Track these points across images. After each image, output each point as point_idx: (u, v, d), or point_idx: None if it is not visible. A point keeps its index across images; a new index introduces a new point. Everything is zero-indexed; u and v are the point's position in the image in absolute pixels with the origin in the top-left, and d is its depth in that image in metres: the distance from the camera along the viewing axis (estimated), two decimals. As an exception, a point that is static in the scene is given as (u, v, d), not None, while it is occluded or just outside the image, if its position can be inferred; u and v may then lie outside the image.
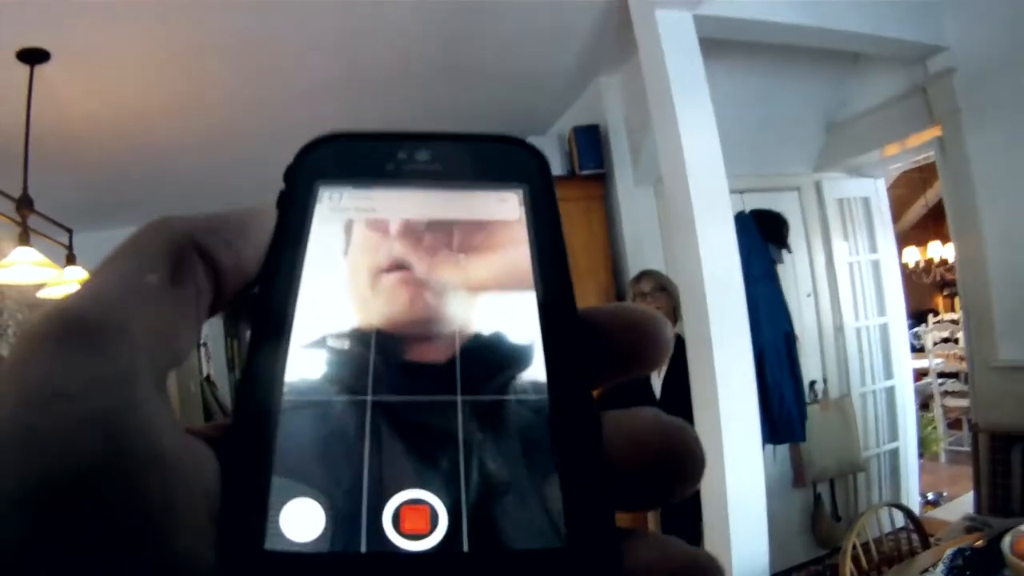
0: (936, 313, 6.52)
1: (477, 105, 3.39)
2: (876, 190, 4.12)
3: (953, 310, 6.51)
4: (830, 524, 3.74)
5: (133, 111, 2.95)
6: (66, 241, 3.04)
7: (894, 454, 4.03)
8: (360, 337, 0.19)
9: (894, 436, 4.03)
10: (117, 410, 0.16)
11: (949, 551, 2.07)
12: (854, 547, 2.31)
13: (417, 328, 0.20)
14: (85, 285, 0.18)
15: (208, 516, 0.16)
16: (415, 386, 0.19)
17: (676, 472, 0.18)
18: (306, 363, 0.19)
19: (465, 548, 0.17)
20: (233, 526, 0.16)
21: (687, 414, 2.66)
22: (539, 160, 0.23)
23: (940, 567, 2.00)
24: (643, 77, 2.51)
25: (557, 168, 3.34)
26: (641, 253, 3.34)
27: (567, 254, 0.21)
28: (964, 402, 5.29)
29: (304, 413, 0.18)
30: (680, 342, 2.88)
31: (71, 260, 2.96)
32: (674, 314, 2.97)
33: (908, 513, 2.51)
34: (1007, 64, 2.83)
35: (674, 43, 2.41)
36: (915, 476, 4.05)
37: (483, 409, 0.19)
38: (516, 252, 0.21)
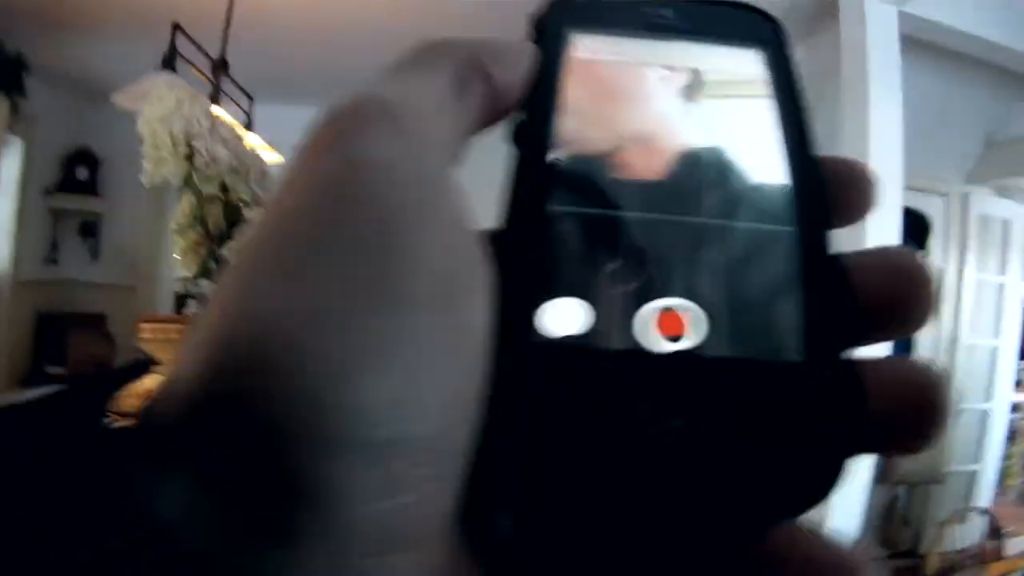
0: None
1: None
2: (1018, 215, 4.05)
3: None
4: (898, 528, 3.77)
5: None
6: (247, 108, 3.17)
7: (972, 476, 4.02)
8: (617, 168, 0.21)
9: (977, 459, 4.02)
10: (431, 178, 0.17)
11: None
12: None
13: (666, 163, 0.21)
14: (376, 80, 0.19)
15: (487, 306, 0.17)
16: (670, 207, 0.20)
17: (909, 305, 0.19)
18: (568, 186, 0.20)
19: (714, 354, 0.18)
20: (506, 322, 0.17)
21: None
22: (776, 26, 0.24)
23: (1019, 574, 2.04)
24: (840, 57, 2.54)
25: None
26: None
27: (807, 108, 0.22)
28: (1047, 445, 5.22)
29: (566, 225, 0.19)
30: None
31: (249, 127, 3.07)
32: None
33: (994, 522, 2.54)
34: None
35: (878, 33, 2.45)
36: (987, 503, 4.05)
37: (734, 234, 0.20)
38: (762, 115, 0.22)
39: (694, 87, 0.23)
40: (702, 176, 0.21)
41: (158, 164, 1.75)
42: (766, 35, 0.24)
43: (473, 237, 0.18)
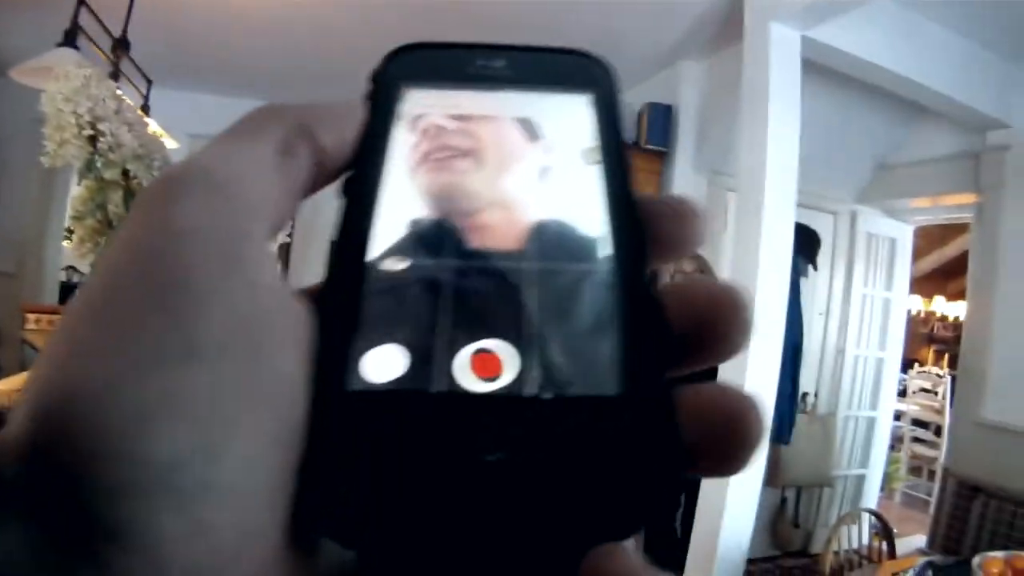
0: (922, 364, 6.73)
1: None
2: (904, 234, 4.31)
3: (939, 364, 6.72)
4: (788, 528, 3.94)
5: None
6: (145, 91, 3.13)
7: (859, 480, 4.25)
8: (438, 219, 0.22)
9: (864, 464, 4.25)
10: (239, 238, 0.18)
11: (921, 560, 2.27)
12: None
13: (486, 211, 0.22)
14: (206, 148, 0.20)
15: (302, 355, 0.18)
16: (486, 258, 0.21)
17: (724, 332, 0.20)
18: (389, 238, 0.21)
19: (530, 392, 0.18)
20: (322, 370, 0.18)
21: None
22: (606, 70, 0.25)
23: (910, 572, 2.20)
24: (742, 77, 2.68)
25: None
26: (684, 235, 3.48)
27: (627, 153, 0.23)
28: (930, 452, 5.51)
29: (386, 279, 0.20)
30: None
31: (146, 111, 3.03)
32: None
33: (884, 523, 2.71)
34: None
35: (780, 55, 2.58)
36: (873, 505, 4.25)
37: (552, 276, 0.21)
38: (585, 159, 0.23)
39: (526, 135, 0.24)
40: (523, 229, 0.22)
41: (61, 145, 1.66)
42: (595, 79, 0.24)
43: (284, 290, 0.18)
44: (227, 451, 0.15)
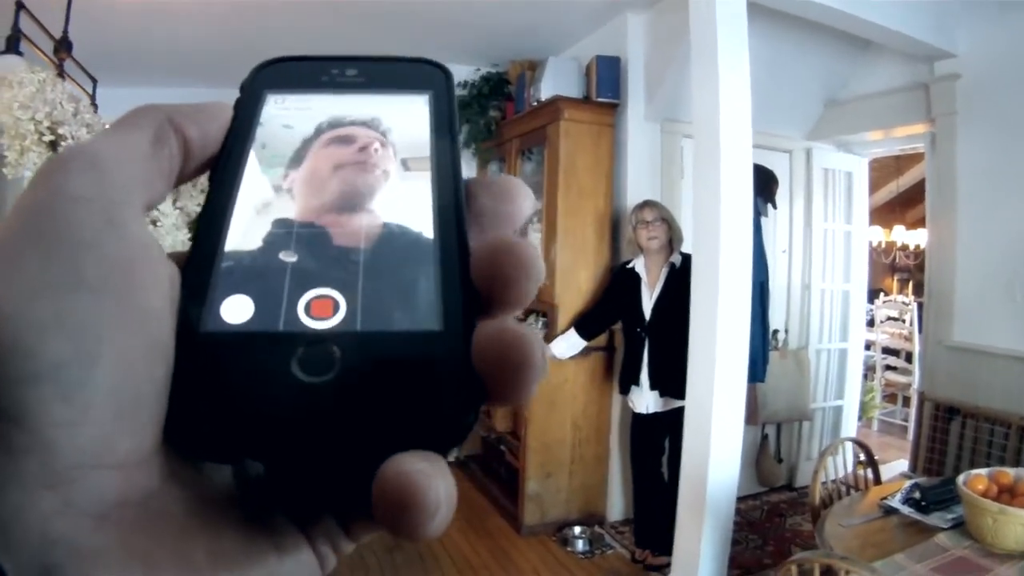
0: (887, 293, 6.85)
1: (497, 20, 3.51)
2: (859, 167, 4.37)
3: (903, 292, 6.84)
4: (772, 464, 4.01)
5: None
6: (91, 90, 3.07)
7: (837, 411, 4.34)
8: (289, 204, 0.26)
9: (840, 395, 4.34)
10: (113, 205, 0.22)
11: (907, 484, 2.32)
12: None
13: (333, 203, 0.26)
14: (93, 136, 0.24)
15: (168, 305, 0.22)
16: (328, 226, 0.25)
17: (514, 281, 0.23)
18: (245, 217, 0.25)
19: (358, 328, 0.22)
20: (185, 314, 0.22)
21: (675, 336, 2.89)
22: (444, 73, 0.29)
23: (898, 495, 2.26)
24: (689, 24, 2.69)
25: (573, 90, 3.50)
26: (641, 184, 3.55)
27: (458, 146, 0.27)
28: (903, 378, 5.61)
29: (242, 248, 0.24)
30: (678, 272, 3.10)
31: (94, 110, 2.97)
32: (670, 246, 3.18)
33: (867, 451, 2.77)
34: (1005, 81, 3.12)
35: (726, 1, 2.60)
36: (852, 435, 4.34)
37: (380, 241, 0.24)
38: (419, 146, 0.27)
39: (370, 131, 0.28)
40: (362, 204, 0.26)
41: (23, 154, 1.61)
42: (434, 80, 0.29)
43: (156, 249, 0.22)
44: (101, 357, 0.19)
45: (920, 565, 1.83)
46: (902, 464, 4.20)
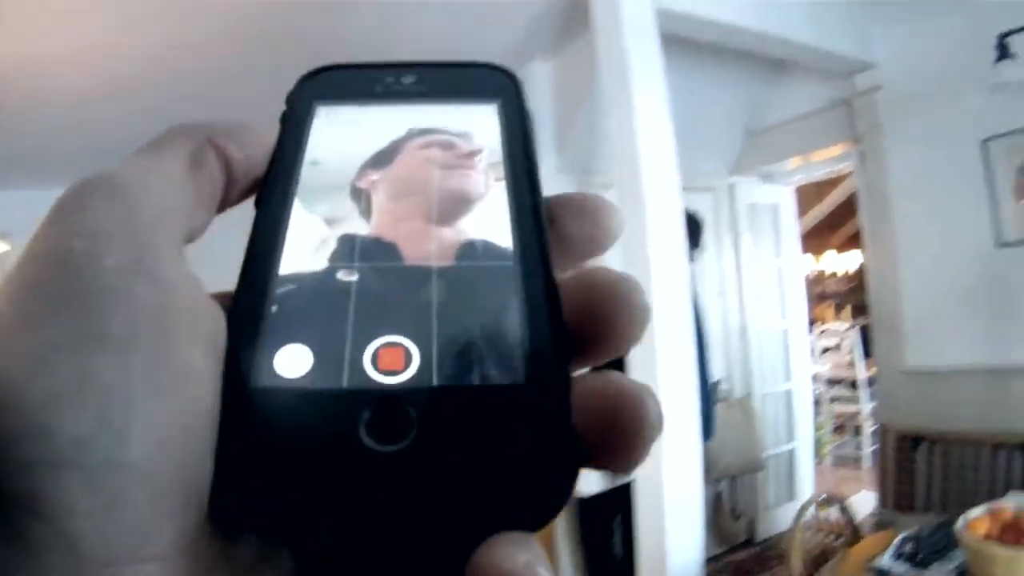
0: (823, 322, 6.80)
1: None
2: (785, 197, 4.28)
3: (840, 318, 6.81)
4: (729, 522, 3.83)
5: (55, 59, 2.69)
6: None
7: (790, 455, 4.17)
8: (349, 231, 0.23)
9: (791, 437, 4.18)
10: (143, 242, 0.19)
11: (898, 537, 2.11)
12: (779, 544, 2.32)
13: (396, 220, 0.23)
14: (120, 163, 0.21)
15: (213, 359, 0.19)
16: (394, 263, 0.22)
17: (617, 322, 0.20)
18: (300, 245, 0.22)
19: (434, 382, 0.19)
20: (233, 367, 0.19)
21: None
22: (512, 79, 0.26)
23: (887, 554, 2.04)
24: (597, 65, 2.51)
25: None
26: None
27: (536, 162, 0.24)
28: (851, 407, 5.56)
29: (297, 284, 0.21)
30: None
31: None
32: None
33: (843, 506, 2.58)
34: (927, 85, 3.06)
35: (637, 33, 2.43)
36: (809, 476, 4.21)
37: (456, 275, 0.21)
38: (491, 158, 0.24)
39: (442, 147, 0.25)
40: (432, 235, 0.22)
41: None
42: (502, 88, 0.26)
43: (195, 290, 0.20)
44: (132, 431, 0.16)
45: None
46: (867, 498, 4.04)
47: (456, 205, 0.23)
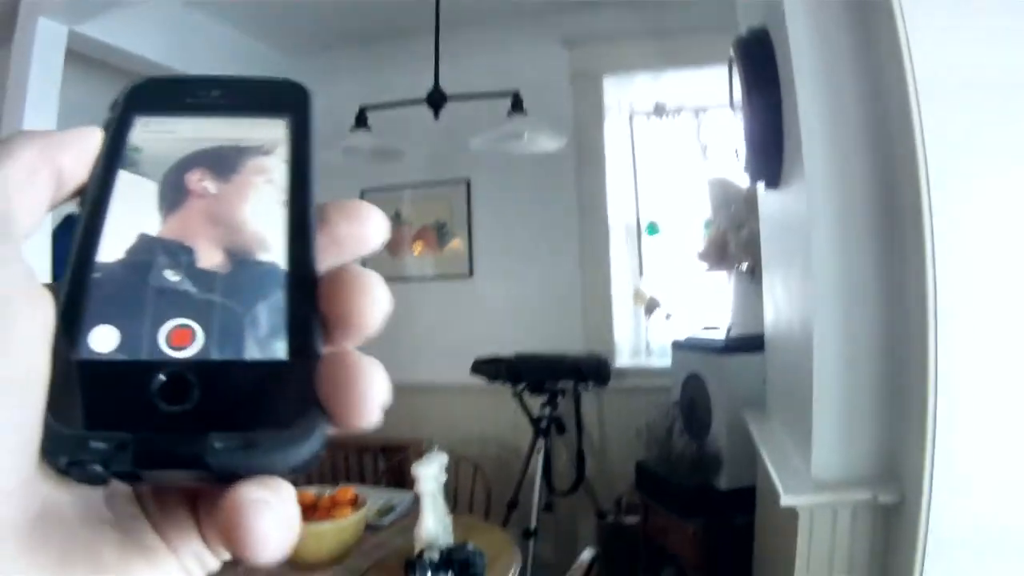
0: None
1: None
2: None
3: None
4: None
5: None
6: None
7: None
8: (153, 232, 0.26)
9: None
10: None
11: None
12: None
13: (190, 230, 0.26)
14: None
15: (45, 336, 0.22)
16: (188, 259, 0.25)
17: (363, 311, 0.24)
18: (113, 243, 0.25)
19: (212, 357, 0.23)
20: (59, 343, 0.22)
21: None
22: (305, 94, 0.29)
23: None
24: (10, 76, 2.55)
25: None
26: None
27: (312, 169, 0.27)
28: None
29: (109, 277, 0.24)
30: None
31: None
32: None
33: None
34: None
35: (44, 50, 2.55)
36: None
37: (235, 272, 0.25)
38: (276, 170, 0.27)
39: (220, 164, 0.28)
40: (219, 235, 0.26)
41: None
42: (295, 102, 0.29)
43: (30, 282, 0.22)
44: None
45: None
46: None
47: (239, 212, 0.26)
